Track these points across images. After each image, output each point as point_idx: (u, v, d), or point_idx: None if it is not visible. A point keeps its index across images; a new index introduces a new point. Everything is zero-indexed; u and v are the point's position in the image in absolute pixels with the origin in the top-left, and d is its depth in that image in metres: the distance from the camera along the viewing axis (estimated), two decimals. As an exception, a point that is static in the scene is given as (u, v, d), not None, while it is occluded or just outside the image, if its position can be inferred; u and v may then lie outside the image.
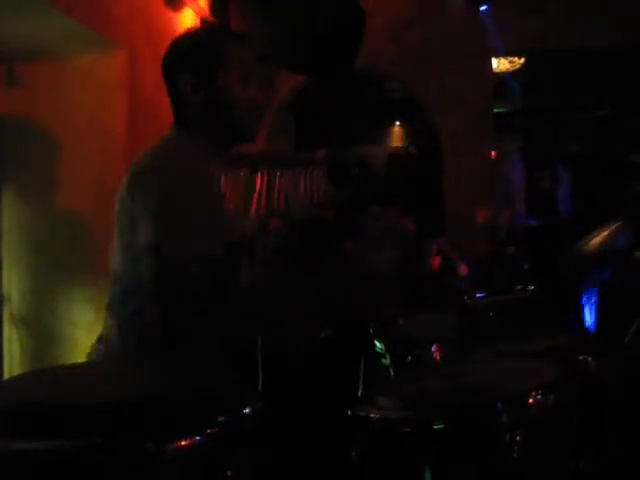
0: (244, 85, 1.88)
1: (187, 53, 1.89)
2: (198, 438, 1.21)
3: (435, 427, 1.39)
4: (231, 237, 1.79)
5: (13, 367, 3.32)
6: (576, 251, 2.66)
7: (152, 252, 1.64)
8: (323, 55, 3.21)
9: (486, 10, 5.27)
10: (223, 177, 1.89)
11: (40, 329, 3.31)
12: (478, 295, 2.93)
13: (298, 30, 3.17)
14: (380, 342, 2.39)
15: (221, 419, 1.25)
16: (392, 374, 2.31)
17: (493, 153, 6.44)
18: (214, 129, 1.87)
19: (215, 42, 1.91)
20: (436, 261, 2.65)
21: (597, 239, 2.59)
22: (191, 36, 1.98)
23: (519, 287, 3.08)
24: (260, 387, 1.82)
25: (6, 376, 3.26)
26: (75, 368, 1.75)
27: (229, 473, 1.26)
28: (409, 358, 2.32)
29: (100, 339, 1.83)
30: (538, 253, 4.73)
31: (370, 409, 1.47)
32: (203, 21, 4.06)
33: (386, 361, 2.35)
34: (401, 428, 1.41)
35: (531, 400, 1.38)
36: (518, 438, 1.36)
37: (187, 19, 3.93)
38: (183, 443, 1.20)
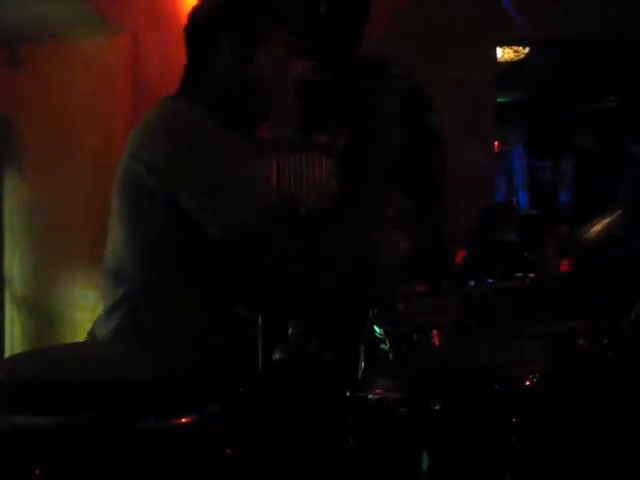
0: (284, 61, 1.59)
1: (234, 12, 1.53)
2: (197, 416, 1.22)
3: (433, 408, 1.40)
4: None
5: (14, 348, 3.34)
6: (576, 239, 2.67)
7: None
8: (330, 40, 3.21)
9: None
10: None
11: (41, 310, 3.33)
12: (478, 281, 2.94)
13: (305, 14, 3.16)
14: (379, 327, 2.39)
15: (220, 398, 1.27)
16: (391, 359, 2.32)
17: (496, 143, 6.42)
18: (232, 108, 1.57)
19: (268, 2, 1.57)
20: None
21: (597, 227, 2.60)
22: None
23: (519, 274, 3.08)
24: (260, 368, 1.83)
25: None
26: (75, 347, 1.76)
27: (228, 451, 1.27)
28: (408, 343, 2.33)
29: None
30: (538, 241, 4.73)
31: (368, 390, 1.48)
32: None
33: (385, 346, 2.36)
34: (399, 408, 1.42)
35: (529, 382, 1.39)
36: (515, 420, 1.37)
37: (190, 3, 3.92)
38: (183, 420, 1.21)
